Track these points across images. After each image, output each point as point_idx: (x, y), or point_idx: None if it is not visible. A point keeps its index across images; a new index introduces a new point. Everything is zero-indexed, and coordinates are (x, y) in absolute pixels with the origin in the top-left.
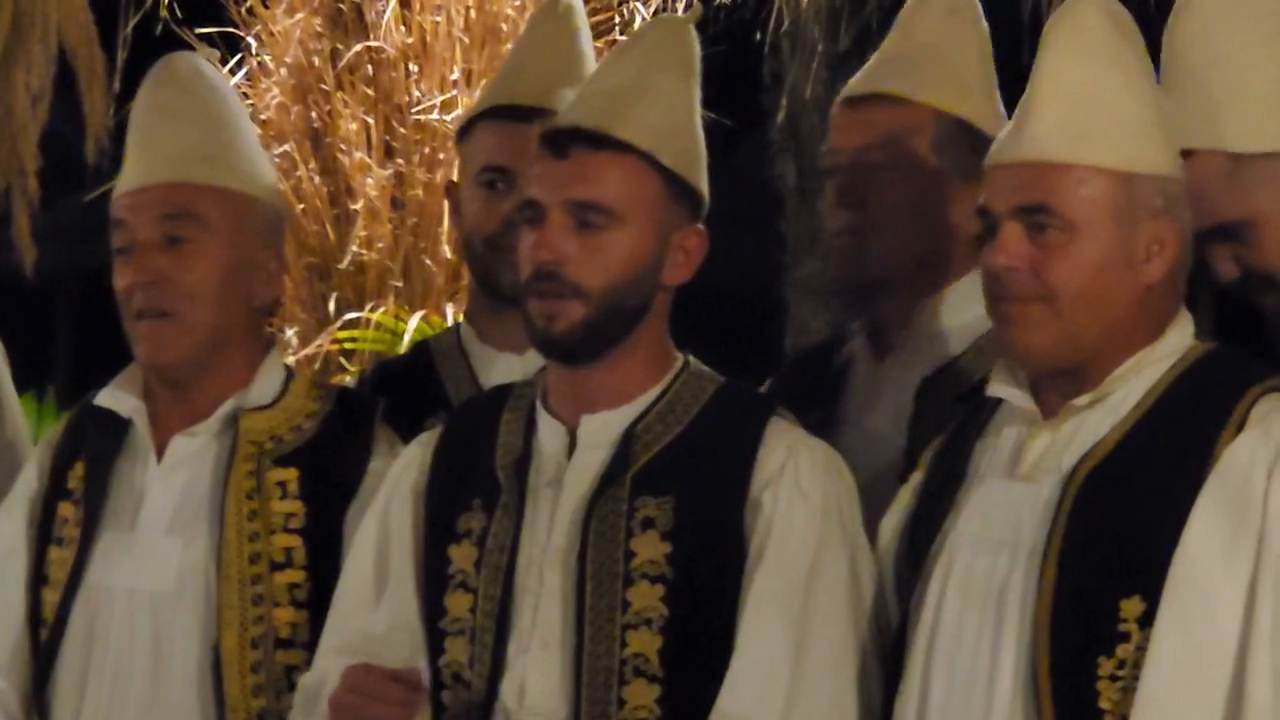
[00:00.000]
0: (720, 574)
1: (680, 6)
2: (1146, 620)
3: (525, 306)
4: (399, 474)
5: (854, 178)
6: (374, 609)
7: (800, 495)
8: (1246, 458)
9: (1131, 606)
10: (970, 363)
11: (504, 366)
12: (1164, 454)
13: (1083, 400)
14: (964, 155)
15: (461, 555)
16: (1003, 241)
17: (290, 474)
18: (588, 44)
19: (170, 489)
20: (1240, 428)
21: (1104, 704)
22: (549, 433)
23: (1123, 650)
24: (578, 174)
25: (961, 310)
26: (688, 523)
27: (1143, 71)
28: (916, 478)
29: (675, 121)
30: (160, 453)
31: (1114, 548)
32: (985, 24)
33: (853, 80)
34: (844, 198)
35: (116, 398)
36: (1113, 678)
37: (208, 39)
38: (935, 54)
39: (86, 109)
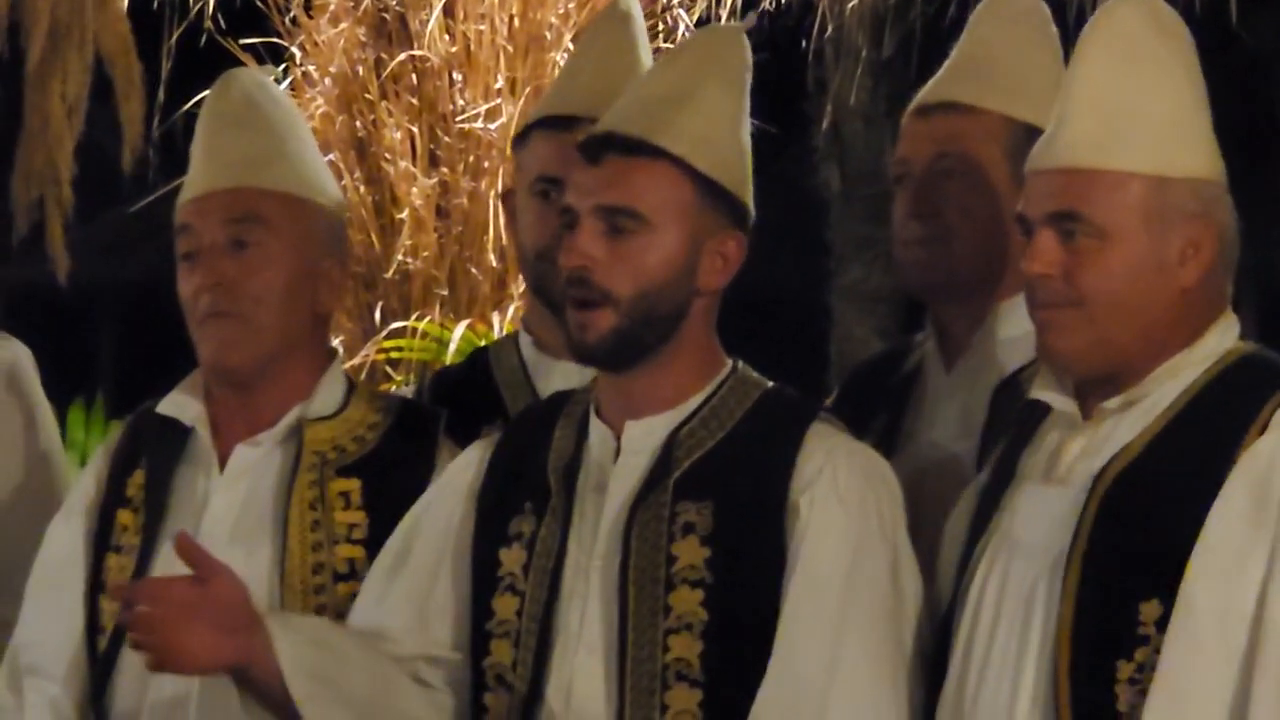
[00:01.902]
0: (759, 579)
1: (724, 14)
2: (1164, 624)
3: (565, 315)
4: (453, 474)
5: (927, 188)
6: (379, 602)
7: (838, 500)
8: (1266, 459)
9: (1150, 610)
10: (1034, 376)
11: (561, 374)
12: (1188, 457)
13: (1113, 403)
14: None
15: (511, 558)
16: (1036, 248)
17: (353, 484)
18: (646, 53)
19: (232, 498)
20: (1264, 430)
21: (1121, 707)
22: (598, 438)
23: (1141, 654)
24: (609, 180)
25: (1029, 319)
26: (727, 528)
27: (1182, 72)
28: (980, 479)
29: (716, 129)
30: (222, 461)
31: (1136, 551)
32: (1054, 28)
33: (924, 90)
34: (917, 208)
35: (179, 405)
36: (1131, 681)
37: (252, 49)
38: (1005, 60)
39: (124, 119)
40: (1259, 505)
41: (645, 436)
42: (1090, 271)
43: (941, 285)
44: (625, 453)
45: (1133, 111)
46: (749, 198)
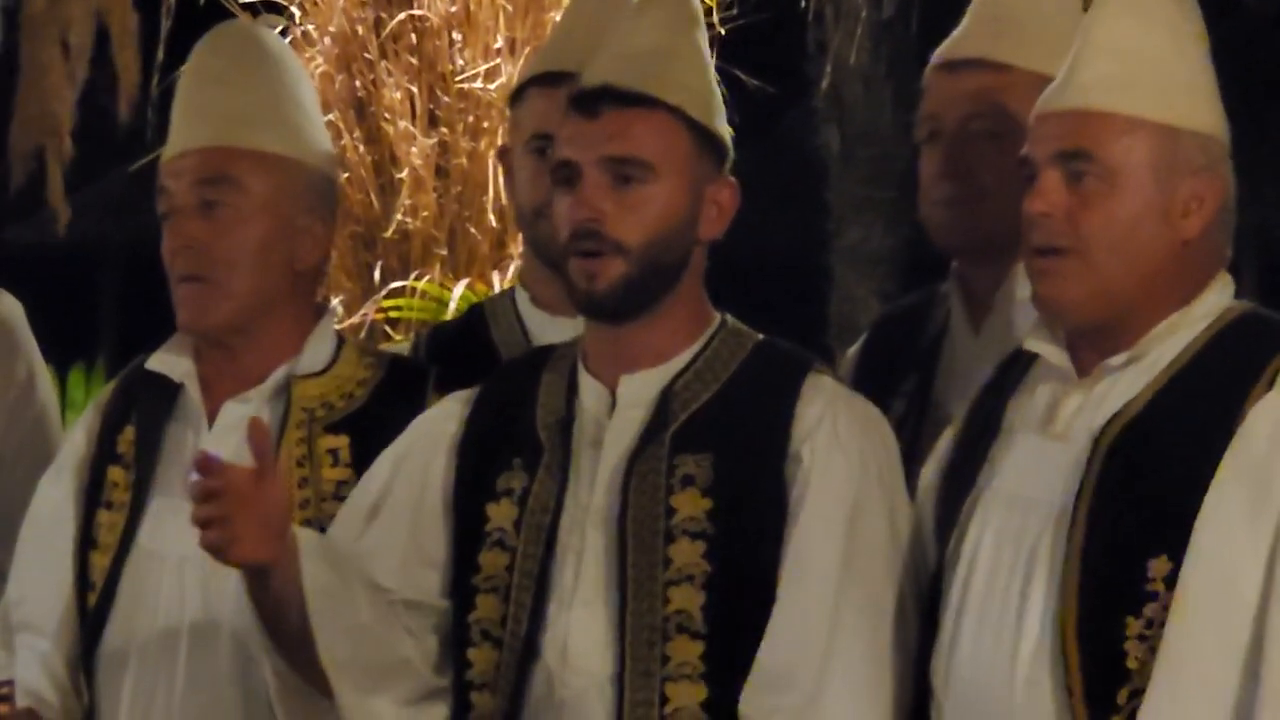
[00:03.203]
0: (761, 528)
1: None
2: (1174, 580)
3: (566, 267)
4: (430, 425)
5: (959, 147)
6: (354, 542)
7: (839, 448)
8: (1271, 418)
9: (1160, 566)
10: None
11: (558, 331)
12: (1194, 413)
13: (1118, 360)
14: None
15: (500, 513)
16: (1041, 187)
17: (341, 441)
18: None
19: (221, 454)
20: (1270, 386)
21: (1131, 664)
22: (590, 393)
23: (1150, 610)
24: (612, 131)
25: None
26: (727, 478)
27: (1194, 35)
28: (952, 430)
29: (697, 76)
30: (211, 418)
31: (1142, 507)
32: None
33: (949, 43)
34: (950, 167)
35: (168, 362)
36: (1141, 637)
37: (251, 8)
38: (1033, 15)
39: (120, 69)
40: (1265, 464)
41: (641, 390)
42: (1094, 214)
43: (973, 246)
44: (621, 406)
45: (1146, 60)
46: (729, 141)
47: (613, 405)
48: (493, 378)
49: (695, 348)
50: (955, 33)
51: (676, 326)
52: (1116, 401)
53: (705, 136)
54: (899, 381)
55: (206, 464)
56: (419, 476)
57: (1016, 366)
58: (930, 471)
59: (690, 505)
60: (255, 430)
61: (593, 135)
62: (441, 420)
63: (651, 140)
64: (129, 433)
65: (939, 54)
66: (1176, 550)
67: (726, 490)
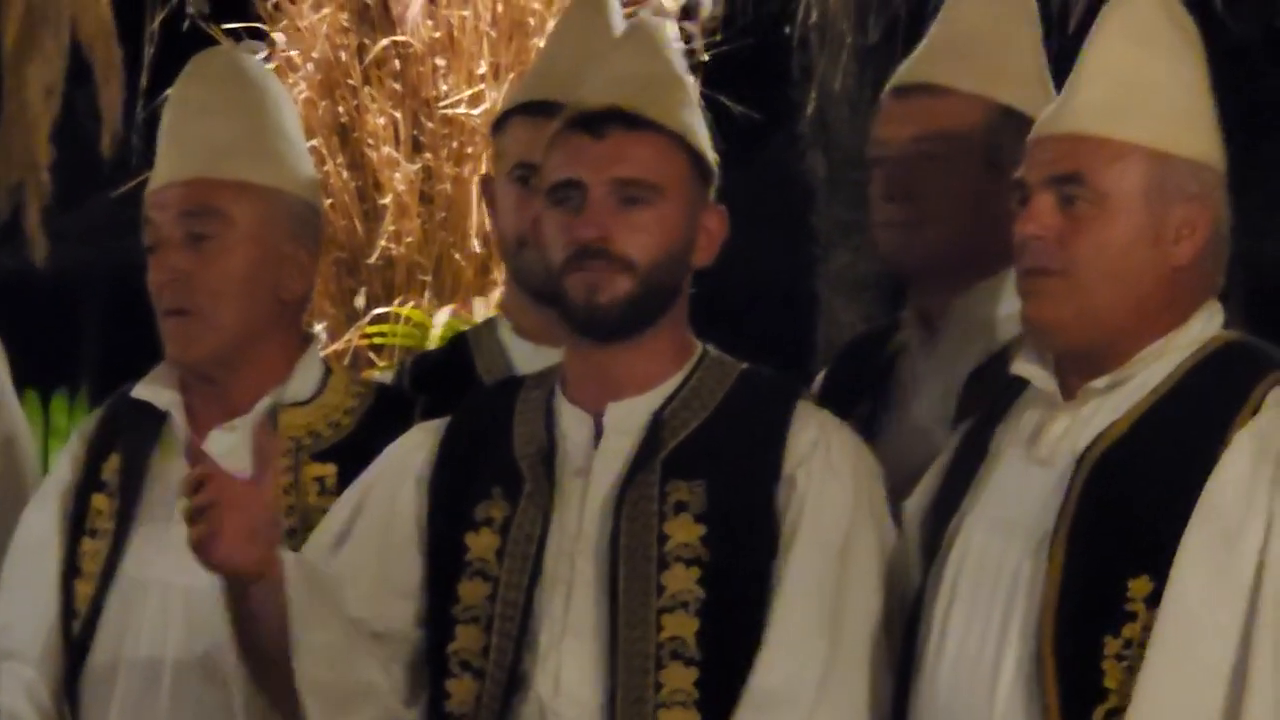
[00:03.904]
0: (756, 553)
1: (708, 0)
2: (1154, 600)
3: (564, 284)
4: (397, 455)
5: (903, 169)
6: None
7: (833, 473)
8: (1257, 442)
9: (1140, 586)
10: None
11: (542, 359)
12: (1178, 436)
13: (1101, 382)
14: (1013, 144)
15: (480, 543)
16: (1033, 210)
17: (328, 470)
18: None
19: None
20: (1255, 412)
21: (1109, 683)
22: (573, 421)
23: (1129, 630)
24: (620, 153)
25: (1008, 301)
26: (722, 504)
27: (1192, 63)
28: (943, 458)
29: (690, 104)
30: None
31: (1124, 528)
32: (1035, 7)
33: (900, 69)
34: (892, 189)
35: (154, 390)
36: (1119, 657)
37: (234, 34)
38: (984, 41)
39: (102, 103)
40: (1248, 489)
41: (629, 416)
42: (1085, 238)
43: (918, 268)
44: (609, 434)
45: (1143, 87)
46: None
47: (597, 433)
48: (463, 408)
49: (681, 375)
50: (908, 59)
51: (663, 353)
52: (1101, 424)
53: (700, 163)
54: (856, 404)
55: (201, 459)
56: (386, 506)
57: (1008, 393)
58: (917, 500)
59: (684, 532)
60: (263, 439)
61: (600, 156)
62: (409, 450)
63: (657, 163)
64: (114, 461)
65: (892, 80)
66: (1157, 570)
67: (720, 516)
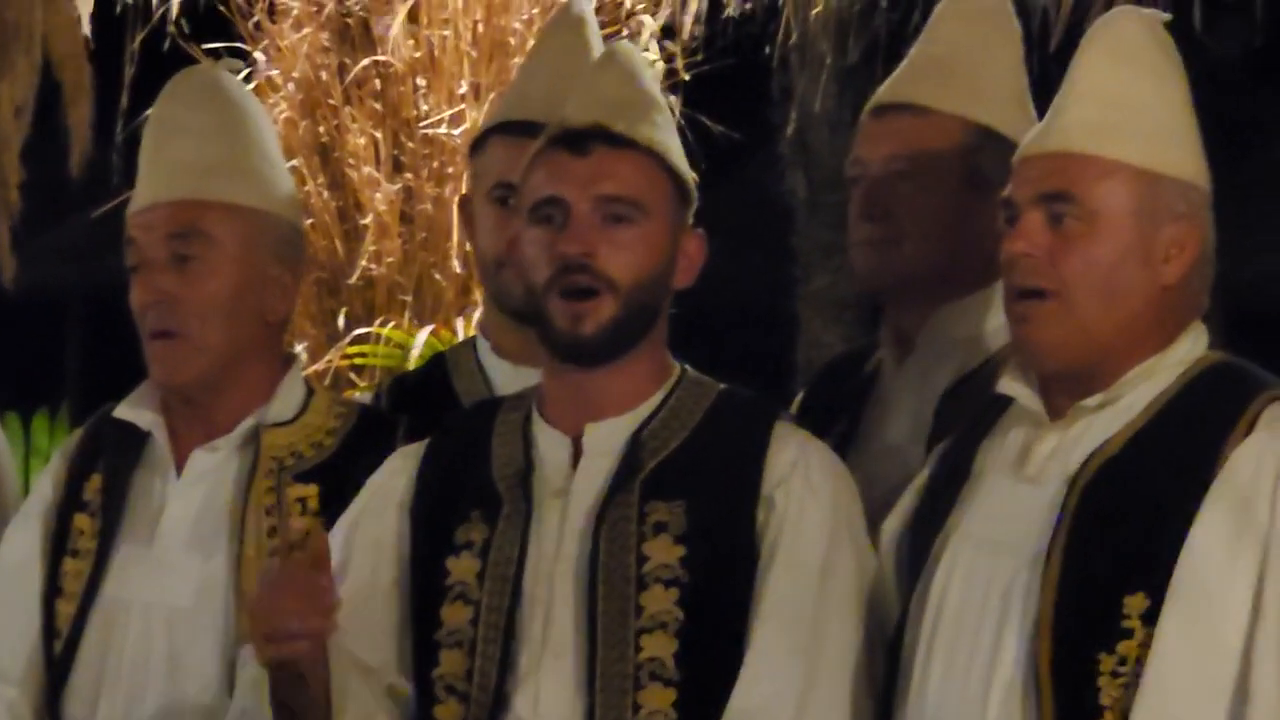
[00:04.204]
0: (735, 574)
1: (688, 19)
2: (1150, 617)
3: (546, 307)
4: (380, 486)
5: (880, 188)
6: None
7: (812, 494)
8: (1254, 460)
9: (1136, 603)
10: (992, 373)
11: (520, 380)
12: (1172, 454)
13: (1093, 401)
14: (992, 164)
15: (461, 567)
16: (1022, 228)
17: (310, 490)
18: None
19: (189, 503)
20: (1250, 431)
21: (1104, 700)
22: (551, 443)
23: (1124, 647)
24: (604, 171)
25: (983, 320)
26: (701, 525)
27: (1177, 84)
28: (921, 478)
29: (669, 125)
30: (179, 466)
31: (1119, 545)
32: (1017, 28)
33: (880, 89)
34: (869, 208)
35: (136, 410)
36: (1114, 674)
37: (215, 54)
38: (963, 62)
39: (71, 123)
40: (1247, 506)
41: (608, 437)
42: (1075, 256)
43: (893, 287)
44: (588, 455)
45: (1131, 107)
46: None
47: (575, 454)
48: (440, 432)
49: (660, 395)
50: (888, 79)
51: (642, 374)
52: (1092, 443)
53: (681, 185)
54: (833, 423)
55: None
56: (374, 540)
57: (990, 411)
58: (894, 521)
59: (663, 552)
60: (316, 537)
61: (584, 173)
62: (389, 477)
63: (641, 181)
64: (96, 480)
65: (872, 100)
66: (1154, 587)
67: (700, 537)
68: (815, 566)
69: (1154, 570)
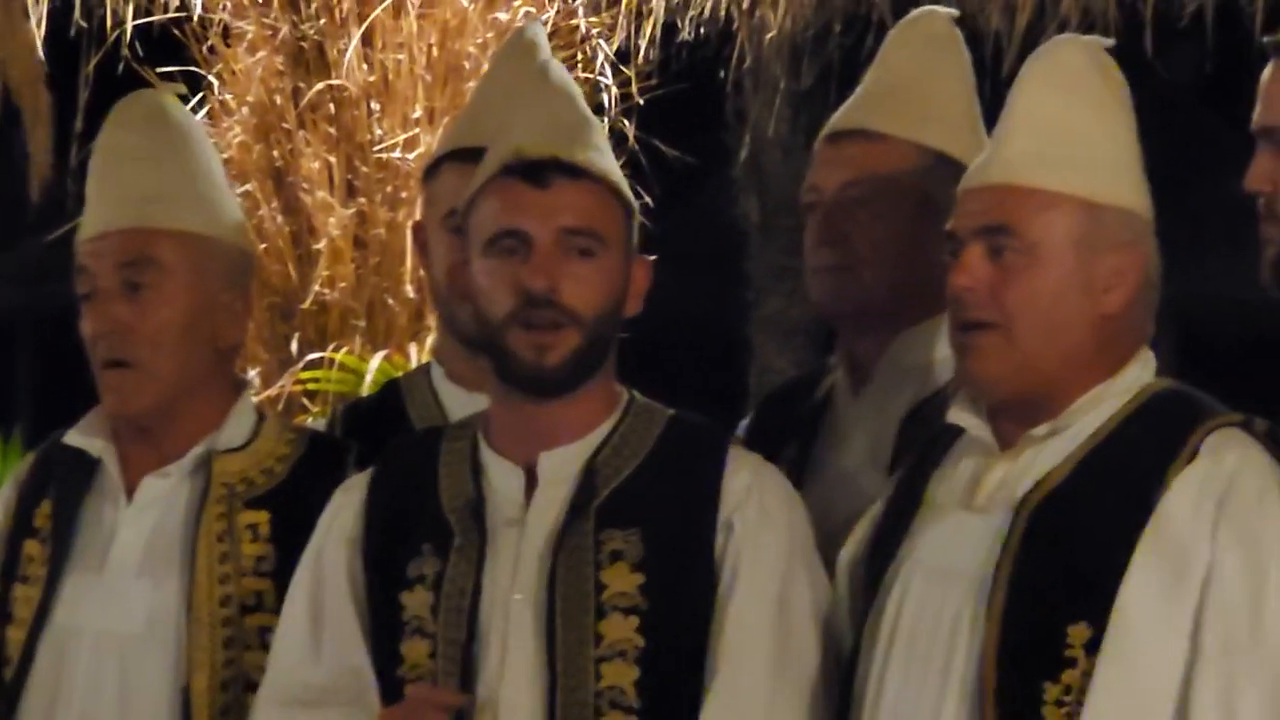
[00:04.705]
0: (694, 601)
1: (643, 44)
2: (1093, 647)
3: (505, 339)
4: (330, 521)
5: (837, 215)
6: (315, 660)
7: (767, 520)
8: (1194, 490)
9: (1079, 632)
10: (950, 398)
11: (474, 405)
12: (1117, 483)
13: (1040, 431)
14: (947, 190)
15: (416, 601)
16: (963, 262)
17: (261, 516)
18: None
19: (140, 529)
20: (1192, 459)
21: None
22: (501, 473)
23: (1069, 676)
24: (566, 203)
25: (940, 346)
26: (659, 552)
27: (1119, 113)
28: (875, 508)
29: (609, 147)
30: (130, 493)
31: (1063, 574)
32: (967, 55)
33: (835, 116)
34: (827, 234)
35: (85, 438)
36: (1059, 703)
37: (169, 78)
38: (918, 88)
39: (31, 148)
40: (1186, 538)
41: (561, 466)
42: (1015, 288)
43: (851, 313)
44: (543, 484)
45: (1070, 136)
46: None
47: (528, 482)
48: (384, 462)
49: (611, 422)
50: (843, 106)
51: (594, 402)
52: (1038, 472)
53: (630, 213)
54: (781, 449)
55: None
56: (344, 574)
57: (940, 441)
58: (848, 551)
59: (621, 580)
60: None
61: (545, 205)
62: (336, 514)
63: (600, 213)
64: (46, 507)
65: (827, 126)
66: (1096, 617)
67: (658, 564)
68: (774, 594)
69: (1096, 600)
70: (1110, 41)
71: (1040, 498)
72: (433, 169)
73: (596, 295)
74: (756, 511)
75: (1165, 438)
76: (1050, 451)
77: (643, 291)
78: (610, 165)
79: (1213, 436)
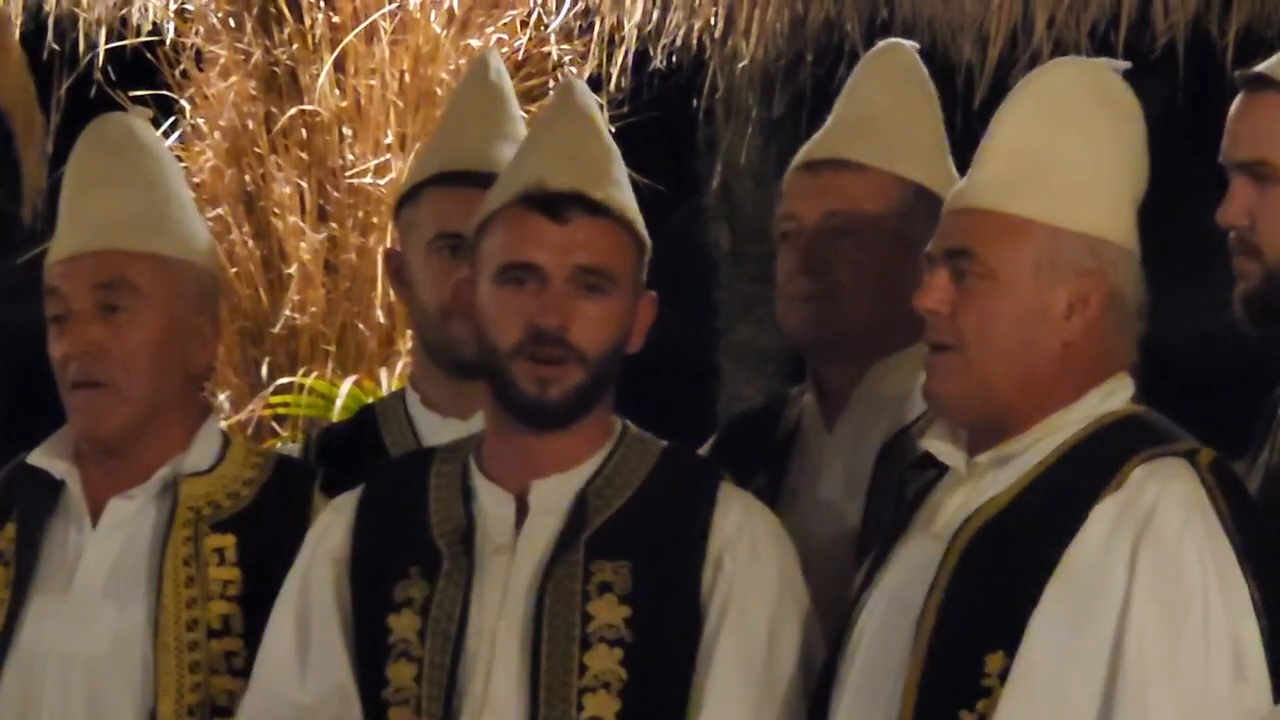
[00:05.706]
0: (680, 636)
1: (614, 71)
2: (1006, 676)
3: (509, 369)
4: (316, 541)
5: (818, 244)
6: (300, 680)
7: (759, 561)
8: (1111, 520)
9: (995, 661)
10: (926, 428)
11: (450, 432)
12: (1046, 513)
13: (985, 457)
14: (922, 221)
15: (403, 624)
16: (928, 283)
17: (228, 540)
18: (516, 105)
19: (106, 552)
20: (1118, 489)
21: None
22: (493, 500)
23: (983, 705)
24: (581, 240)
25: (917, 375)
26: (647, 586)
27: (1110, 139)
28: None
29: (627, 180)
30: (95, 515)
31: (985, 603)
32: (933, 88)
33: (810, 145)
34: (807, 263)
35: (49, 460)
36: None
37: (141, 101)
38: (887, 119)
39: (25, 169)
40: (1100, 567)
41: (553, 495)
42: (974, 311)
43: (828, 342)
44: (534, 512)
45: (1043, 162)
46: None
47: (519, 511)
48: (372, 484)
49: (604, 453)
50: (815, 135)
51: (588, 433)
52: (982, 499)
53: (642, 253)
54: (746, 480)
55: None
56: (330, 594)
57: (929, 466)
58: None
59: (608, 612)
60: None
61: (562, 241)
62: (323, 534)
63: (615, 252)
64: (9, 530)
65: (800, 155)
66: (1010, 646)
67: (645, 597)
68: (763, 633)
69: (1012, 629)
70: (1123, 64)
71: (977, 526)
72: (411, 195)
73: (604, 334)
74: (748, 550)
75: (1099, 466)
76: (1003, 478)
77: (646, 328)
78: (628, 200)
79: (1143, 467)
